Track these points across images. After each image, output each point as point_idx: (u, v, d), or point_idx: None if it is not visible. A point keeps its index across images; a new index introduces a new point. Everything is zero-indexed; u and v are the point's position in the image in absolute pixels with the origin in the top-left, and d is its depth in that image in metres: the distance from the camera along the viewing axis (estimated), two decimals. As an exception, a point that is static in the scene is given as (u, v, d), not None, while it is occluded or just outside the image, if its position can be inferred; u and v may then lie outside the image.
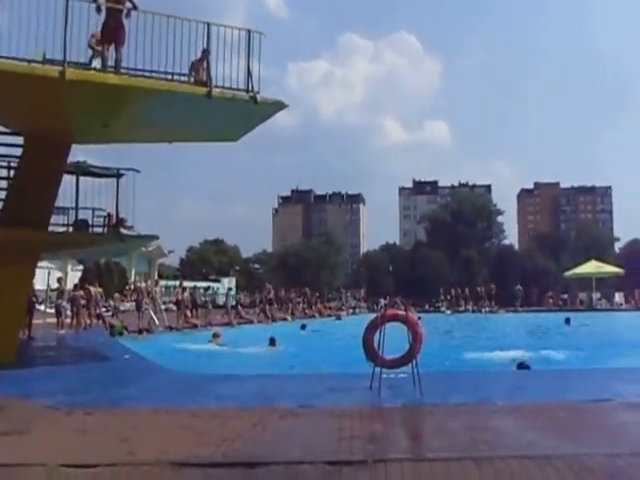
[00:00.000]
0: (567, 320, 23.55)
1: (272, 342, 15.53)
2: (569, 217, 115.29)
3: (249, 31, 10.36)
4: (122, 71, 9.77)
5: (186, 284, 28.77)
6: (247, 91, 10.31)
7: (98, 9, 9.64)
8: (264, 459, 4.45)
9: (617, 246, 77.55)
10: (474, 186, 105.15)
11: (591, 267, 40.49)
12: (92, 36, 10.08)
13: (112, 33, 9.79)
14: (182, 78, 10.40)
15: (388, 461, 4.41)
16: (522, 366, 9.94)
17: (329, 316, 30.09)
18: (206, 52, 10.37)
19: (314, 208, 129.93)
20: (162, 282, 36.94)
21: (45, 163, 10.42)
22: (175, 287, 29.88)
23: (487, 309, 34.93)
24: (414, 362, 7.40)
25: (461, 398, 6.80)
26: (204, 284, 39.67)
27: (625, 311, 35.96)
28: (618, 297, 42.40)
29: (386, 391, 7.13)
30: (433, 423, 5.79)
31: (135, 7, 9.84)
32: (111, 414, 6.28)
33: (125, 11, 9.90)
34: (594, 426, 5.59)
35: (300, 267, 66.89)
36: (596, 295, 41.04)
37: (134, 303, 22.48)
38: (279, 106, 10.85)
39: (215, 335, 16.67)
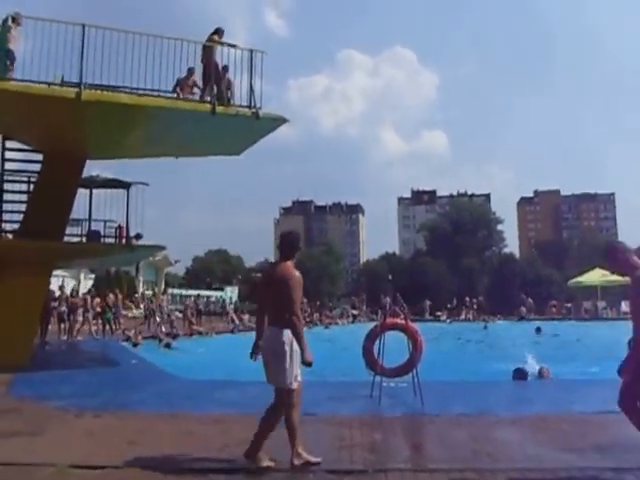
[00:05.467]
0: (538, 329, 23.75)
1: None
2: (571, 225, 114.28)
3: (251, 51, 10.94)
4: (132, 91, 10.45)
5: (190, 292, 29.10)
6: (250, 107, 10.83)
7: (203, 60, 10.73)
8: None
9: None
10: (473, 195, 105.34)
11: (596, 275, 38.27)
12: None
13: (210, 72, 10.78)
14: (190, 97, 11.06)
15: (388, 471, 4.38)
16: (519, 374, 9.56)
17: (327, 325, 30.31)
18: (226, 68, 11.00)
19: (314, 218, 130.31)
20: (174, 290, 37.35)
21: (62, 178, 11.01)
22: (181, 296, 30.31)
23: (487, 319, 34.79)
24: (414, 371, 7.31)
25: (462, 408, 6.66)
26: (208, 293, 40.13)
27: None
28: (625, 306, 41.17)
29: (386, 400, 7.06)
30: (434, 433, 5.65)
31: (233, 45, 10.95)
32: (119, 418, 6.42)
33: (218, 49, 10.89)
34: (600, 439, 5.35)
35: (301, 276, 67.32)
36: (601, 304, 39.98)
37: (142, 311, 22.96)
38: (280, 121, 11.36)
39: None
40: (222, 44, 10.97)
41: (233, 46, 10.96)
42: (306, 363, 4.36)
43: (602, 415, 6.17)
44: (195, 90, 11.11)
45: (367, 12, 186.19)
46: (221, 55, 11.05)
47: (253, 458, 4.50)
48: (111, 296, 20.61)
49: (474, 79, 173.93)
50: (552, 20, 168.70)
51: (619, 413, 5.99)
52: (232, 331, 23.78)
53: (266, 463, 4.48)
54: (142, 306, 25.15)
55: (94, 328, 19.81)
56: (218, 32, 11.05)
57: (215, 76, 10.85)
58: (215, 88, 10.83)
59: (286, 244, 4.69)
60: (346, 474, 4.31)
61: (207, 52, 10.83)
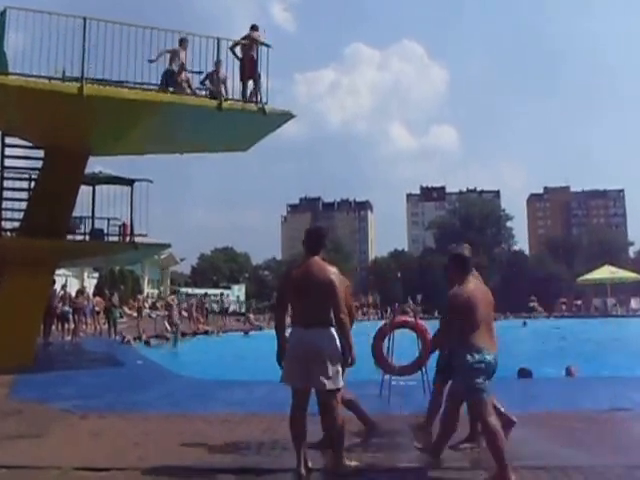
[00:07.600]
0: (524, 323, 25.45)
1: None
2: (581, 221, 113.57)
3: (257, 45, 10.76)
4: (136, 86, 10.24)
5: (197, 291, 29.04)
6: (256, 102, 10.68)
7: (236, 56, 10.80)
8: (272, 466, 4.50)
9: (632, 250, 77.20)
10: (482, 192, 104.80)
11: (605, 272, 38.62)
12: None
13: (247, 69, 10.80)
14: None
15: (399, 470, 4.40)
16: (524, 373, 9.54)
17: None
18: (218, 63, 10.82)
19: (322, 215, 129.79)
20: (180, 289, 37.39)
21: (64, 175, 10.80)
22: (187, 294, 30.24)
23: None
24: (424, 369, 7.22)
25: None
26: (214, 291, 40.06)
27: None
28: (634, 303, 41.15)
29: (396, 398, 7.03)
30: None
31: (269, 46, 10.96)
32: (124, 418, 6.38)
33: (255, 47, 10.88)
34: (611, 436, 5.37)
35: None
36: (611, 301, 39.79)
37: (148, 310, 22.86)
38: (287, 116, 11.17)
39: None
40: (258, 42, 10.94)
41: (268, 46, 10.97)
42: (351, 363, 4.28)
43: (611, 412, 6.22)
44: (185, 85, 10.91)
45: (375, 5, 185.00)
46: (227, 50, 10.83)
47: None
48: (97, 298, 20.46)
49: (484, 75, 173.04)
50: (564, 18, 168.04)
51: (627, 410, 6.26)
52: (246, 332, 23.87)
53: (353, 463, 4.37)
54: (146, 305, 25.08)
55: (98, 327, 19.75)
56: (255, 28, 11.07)
57: (251, 70, 10.82)
58: (253, 84, 10.87)
59: (315, 240, 4.56)
60: (355, 473, 4.30)
61: (244, 48, 10.88)
